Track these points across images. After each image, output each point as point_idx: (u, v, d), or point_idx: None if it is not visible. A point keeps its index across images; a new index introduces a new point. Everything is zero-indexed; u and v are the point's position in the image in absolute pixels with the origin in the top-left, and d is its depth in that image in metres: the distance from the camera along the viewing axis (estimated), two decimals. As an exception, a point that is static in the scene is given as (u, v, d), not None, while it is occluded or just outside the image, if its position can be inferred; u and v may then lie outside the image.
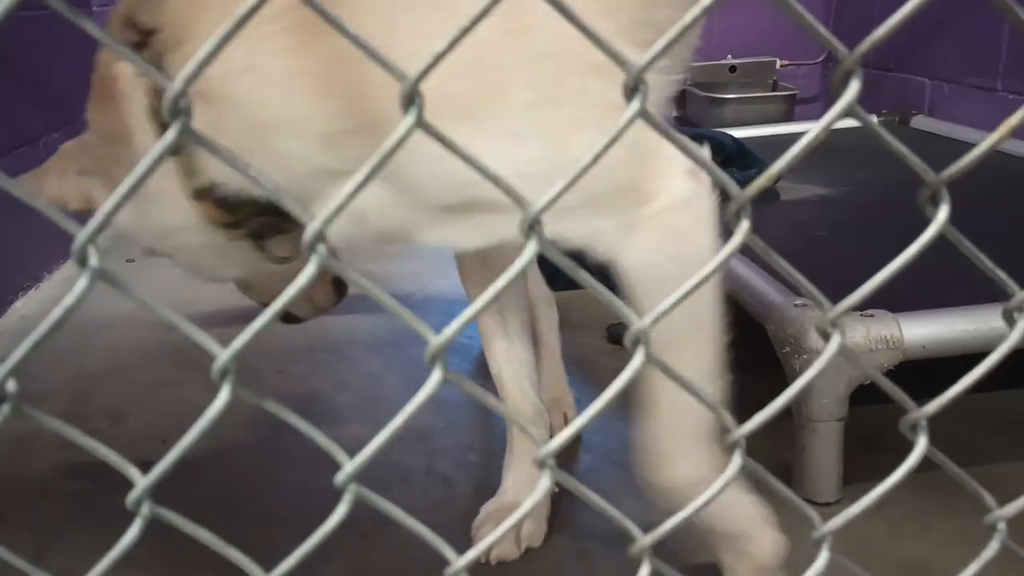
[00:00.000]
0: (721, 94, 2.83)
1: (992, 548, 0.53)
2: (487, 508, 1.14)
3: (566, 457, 1.30)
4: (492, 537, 0.44)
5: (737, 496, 0.88)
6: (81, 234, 0.32)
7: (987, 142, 0.43)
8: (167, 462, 0.35)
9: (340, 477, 0.38)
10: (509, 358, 1.14)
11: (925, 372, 1.00)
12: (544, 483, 0.42)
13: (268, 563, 0.40)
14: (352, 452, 0.39)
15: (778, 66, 3.00)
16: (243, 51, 0.71)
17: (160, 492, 0.37)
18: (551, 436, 0.99)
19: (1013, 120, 0.44)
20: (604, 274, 0.69)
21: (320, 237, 0.35)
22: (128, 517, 0.36)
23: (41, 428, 1.13)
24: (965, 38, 2.39)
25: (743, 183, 0.40)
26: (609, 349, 1.69)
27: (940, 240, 0.44)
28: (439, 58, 0.34)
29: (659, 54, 0.37)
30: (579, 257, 0.62)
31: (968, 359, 0.50)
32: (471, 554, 0.42)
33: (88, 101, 0.89)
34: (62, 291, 1.14)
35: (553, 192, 0.37)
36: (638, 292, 0.78)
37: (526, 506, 0.42)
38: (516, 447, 1.15)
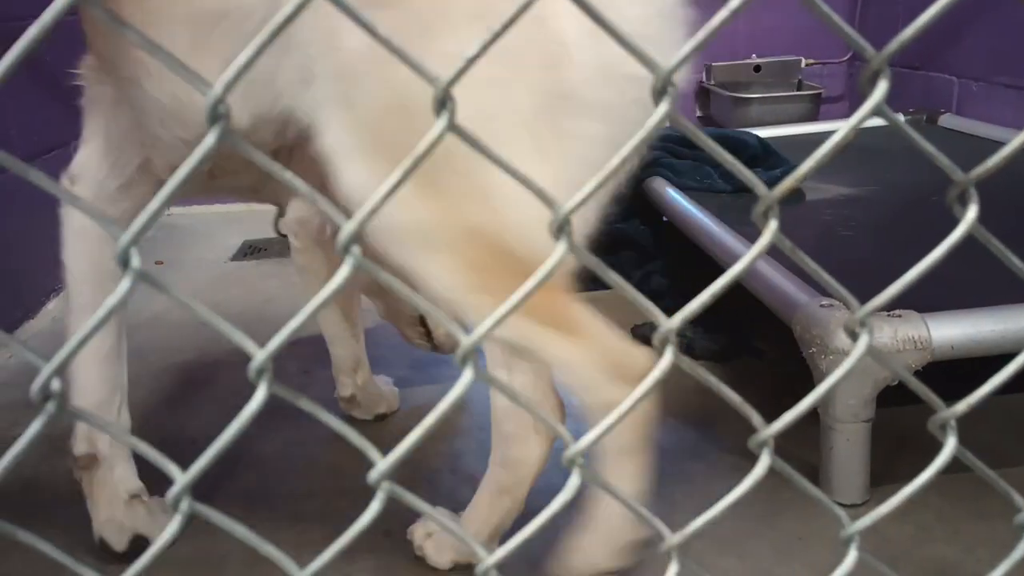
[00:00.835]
0: (745, 93, 2.82)
1: (1021, 549, 0.53)
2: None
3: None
4: (526, 532, 0.45)
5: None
6: (124, 237, 0.33)
7: (1017, 140, 0.43)
8: (206, 458, 0.36)
9: (373, 475, 0.39)
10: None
11: (951, 373, 0.99)
12: (574, 481, 0.42)
13: (297, 562, 0.41)
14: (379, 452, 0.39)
15: (803, 65, 2.98)
16: None
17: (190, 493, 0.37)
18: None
19: (1043, 119, 0.43)
20: (628, 274, 0.69)
21: (355, 239, 0.35)
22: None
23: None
24: (993, 35, 2.37)
25: (768, 183, 0.40)
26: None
27: (968, 239, 0.44)
28: (471, 62, 0.34)
29: (687, 57, 0.37)
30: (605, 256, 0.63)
31: (992, 360, 0.50)
32: (500, 553, 0.43)
33: None
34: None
35: (583, 193, 0.38)
36: None
37: (556, 504, 0.43)
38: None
